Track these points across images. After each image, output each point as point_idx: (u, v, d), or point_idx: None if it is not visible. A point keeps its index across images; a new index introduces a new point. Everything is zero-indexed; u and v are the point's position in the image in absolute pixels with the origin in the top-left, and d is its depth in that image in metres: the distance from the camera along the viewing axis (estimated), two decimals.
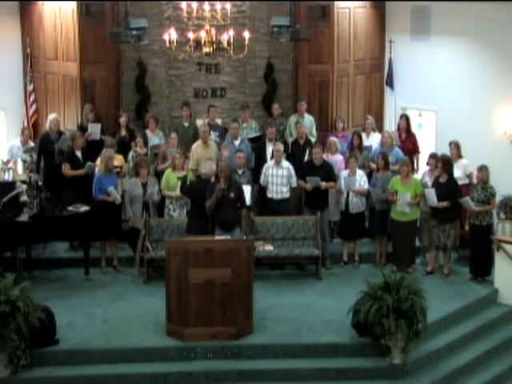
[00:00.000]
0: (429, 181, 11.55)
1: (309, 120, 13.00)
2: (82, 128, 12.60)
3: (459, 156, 11.83)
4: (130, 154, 12.10)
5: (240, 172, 11.63)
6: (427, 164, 11.90)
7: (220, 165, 11.07)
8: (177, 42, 10.60)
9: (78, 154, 11.88)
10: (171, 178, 11.52)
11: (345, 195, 11.62)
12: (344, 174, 11.70)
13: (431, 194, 11.10)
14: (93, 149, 12.16)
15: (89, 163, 11.73)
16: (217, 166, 11.85)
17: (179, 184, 11.39)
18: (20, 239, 10.70)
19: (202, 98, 13.58)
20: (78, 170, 11.73)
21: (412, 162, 12.34)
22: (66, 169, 11.77)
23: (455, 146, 11.82)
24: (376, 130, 13.09)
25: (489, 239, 11.11)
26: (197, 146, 12.16)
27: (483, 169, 11.10)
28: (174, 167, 11.59)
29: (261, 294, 10.22)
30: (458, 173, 11.66)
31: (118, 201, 11.33)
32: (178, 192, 11.42)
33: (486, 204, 11.06)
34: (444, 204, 11.07)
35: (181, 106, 13.02)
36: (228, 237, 10.14)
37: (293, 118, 12.96)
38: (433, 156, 11.80)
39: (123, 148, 12.31)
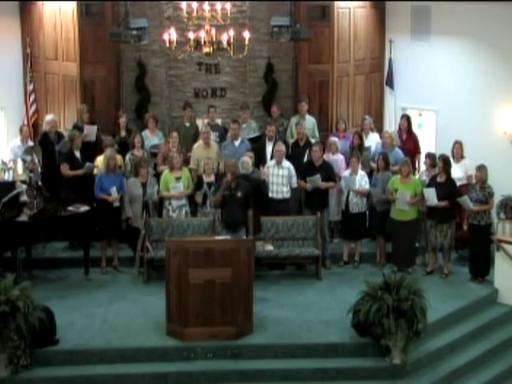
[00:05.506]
0: (426, 180, 11.56)
1: (310, 121, 12.99)
2: (77, 128, 12.57)
3: (462, 156, 11.85)
4: (127, 156, 12.09)
5: (249, 172, 11.61)
6: (424, 163, 11.93)
7: (227, 160, 11.11)
8: (177, 42, 10.59)
9: (77, 154, 11.88)
10: (169, 178, 11.51)
11: (345, 195, 11.63)
12: (345, 173, 11.71)
13: (431, 194, 11.10)
14: (88, 150, 12.17)
15: (88, 164, 11.74)
16: (218, 165, 11.96)
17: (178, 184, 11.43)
18: (20, 239, 10.70)
19: (202, 98, 13.58)
20: (77, 170, 11.74)
21: (413, 163, 12.35)
22: (65, 169, 11.77)
23: (459, 146, 11.83)
24: (374, 130, 13.09)
25: (487, 239, 11.11)
26: (198, 146, 12.20)
27: (481, 168, 11.11)
28: (171, 167, 11.57)
29: (261, 294, 10.23)
30: (459, 173, 11.69)
31: (115, 203, 11.34)
32: (178, 191, 11.44)
33: (484, 204, 11.06)
34: (443, 204, 11.08)
35: (183, 106, 13.01)
36: (228, 237, 10.14)
37: (294, 120, 12.97)
38: (429, 155, 11.82)
39: (124, 148, 12.31)
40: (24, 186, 11.36)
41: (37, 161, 12.33)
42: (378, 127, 13.63)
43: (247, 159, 11.43)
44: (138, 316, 10.02)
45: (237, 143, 12.27)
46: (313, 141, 12.47)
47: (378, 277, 9.55)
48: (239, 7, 13.20)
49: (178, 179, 11.50)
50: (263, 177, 11.68)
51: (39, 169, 12.25)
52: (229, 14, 10.77)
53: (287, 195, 11.67)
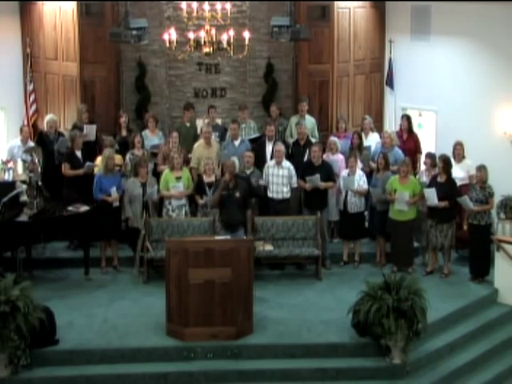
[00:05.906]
0: (426, 180, 11.56)
1: (310, 121, 12.99)
2: (77, 128, 12.56)
3: (463, 156, 11.86)
4: (128, 156, 12.10)
5: (249, 172, 11.62)
6: (424, 163, 11.93)
7: (225, 161, 11.13)
8: (177, 42, 10.60)
9: (78, 153, 11.91)
10: (170, 177, 11.51)
11: (343, 195, 11.63)
12: (344, 173, 11.72)
13: (432, 194, 11.10)
14: (88, 149, 12.19)
15: (88, 163, 11.76)
16: (218, 165, 11.97)
17: (179, 183, 11.42)
18: (20, 239, 10.70)
19: (202, 98, 13.59)
20: (77, 169, 11.75)
21: (413, 162, 12.35)
22: (66, 169, 11.80)
23: (460, 148, 11.84)
24: (374, 130, 13.09)
25: (487, 239, 11.11)
26: (199, 145, 12.22)
27: (482, 168, 11.11)
28: (172, 167, 11.57)
29: (261, 294, 10.23)
30: (461, 173, 11.70)
31: (114, 203, 11.34)
32: (178, 190, 11.44)
33: (484, 204, 11.06)
34: (443, 204, 11.08)
35: (185, 107, 12.99)
36: (228, 237, 10.14)
37: (294, 119, 12.97)
38: (429, 155, 11.82)
39: (125, 148, 12.31)
40: (24, 186, 11.36)
41: (37, 161, 12.33)
42: (378, 127, 13.63)
43: (234, 159, 11.53)
44: (138, 316, 10.02)
45: (236, 143, 12.28)
46: (313, 140, 12.48)
47: (378, 277, 9.55)
48: (239, 7, 13.21)
49: (178, 179, 11.50)
50: (261, 182, 11.68)
51: (39, 169, 12.24)
52: (229, 14, 10.78)
53: (287, 195, 11.66)
